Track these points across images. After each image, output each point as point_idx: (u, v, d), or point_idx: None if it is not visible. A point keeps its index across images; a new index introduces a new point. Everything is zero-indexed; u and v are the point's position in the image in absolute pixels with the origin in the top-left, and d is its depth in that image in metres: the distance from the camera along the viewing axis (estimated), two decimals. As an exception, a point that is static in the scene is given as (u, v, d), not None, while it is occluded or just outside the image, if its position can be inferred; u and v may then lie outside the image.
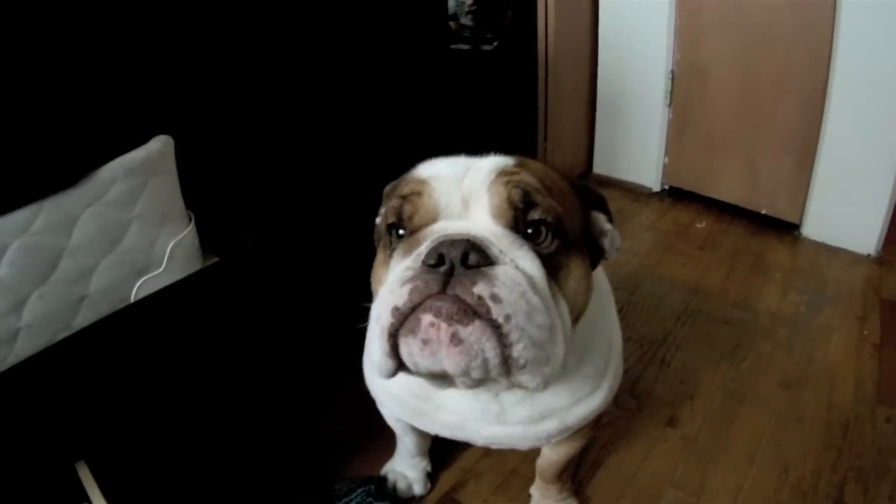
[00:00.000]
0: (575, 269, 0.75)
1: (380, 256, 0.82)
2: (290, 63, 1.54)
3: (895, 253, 2.34)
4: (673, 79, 2.73)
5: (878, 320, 1.98)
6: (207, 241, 1.40)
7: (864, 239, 2.34)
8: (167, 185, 1.30)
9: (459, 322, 0.62)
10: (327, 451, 1.51)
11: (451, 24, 3.34)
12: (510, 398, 0.92)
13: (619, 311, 2.03)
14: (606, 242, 0.86)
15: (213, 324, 1.30)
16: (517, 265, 0.68)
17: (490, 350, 0.63)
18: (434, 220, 0.73)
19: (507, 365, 0.64)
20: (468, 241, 0.66)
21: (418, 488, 1.40)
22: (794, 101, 2.38)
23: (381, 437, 1.41)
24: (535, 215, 0.71)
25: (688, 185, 2.87)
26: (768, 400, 1.67)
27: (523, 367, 0.64)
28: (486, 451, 1.51)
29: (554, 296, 0.70)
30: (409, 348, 0.65)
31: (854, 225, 2.36)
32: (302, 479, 1.42)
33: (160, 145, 1.26)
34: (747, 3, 2.40)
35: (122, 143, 1.21)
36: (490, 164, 0.76)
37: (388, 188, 0.91)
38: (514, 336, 0.62)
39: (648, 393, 1.71)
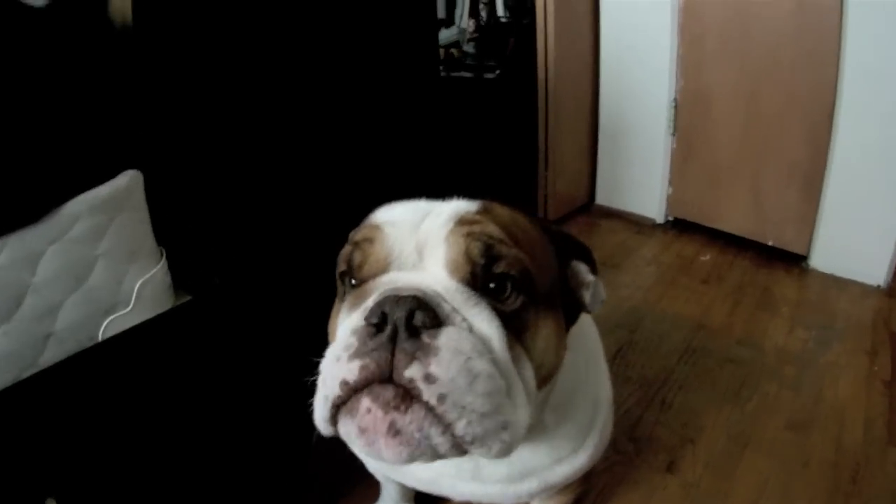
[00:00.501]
0: (544, 328, 0.68)
1: (336, 306, 0.77)
2: (268, 94, 1.51)
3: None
4: (676, 107, 2.68)
5: (888, 355, 1.91)
6: (180, 278, 1.37)
7: (874, 270, 2.27)
8: (135, 222, 1.27)
9: (397, 409, 0.57)
10: (312, 495, 1.45)
11: (454, 51, 3.34)
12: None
13: (618, 350, 2.01)
14: (587, 295, 0.79)
15: (183, 364, 1.26)
16: (471, 326, 0.61)
17: (435, 436, 0.57)
18: (385, 270, 0.67)
19: (457, 443, 0.58)
20: (415, 298, 0.59)
21: None
22: (800, 129, 2.32)
23: (365, 482, 1.34)
24: (497, 269, 0.65)
25: (692, 216, 2.80)
26: (773, 443, 1.60)
27: (472, 442, 0.58)
28: None
29: (517, 358, 0.64)
30: (347, 430, 0.60)
31: (863, 256, 2.29)
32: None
33: (127, 181, 1.23)
34: (751, 29, 2.36)
35: (90, 177, 1.18)
36: (450, 210, 0.69)
37: (352, 233, 0.86)
38: (451, 416, 0.57)
39: (648, 436, 1.64)
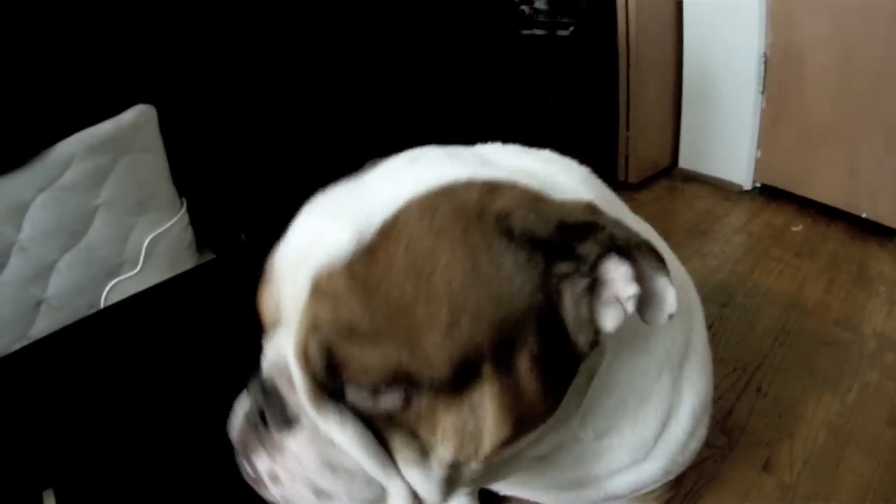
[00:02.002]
0: (454, 419, 0.51)
1: None
2: (320, 42, 1.37)
3: None
4: (766, 63, 2.54)
5: None
6: (204, 235, 1.23)
7: (982, 248, 2.14)
8: (145, 165, 1.11)
9: (260, 485, 0.55)
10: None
11: (525, 8, 3.22)
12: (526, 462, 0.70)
13: (709, 327, 1.93)
14: (610, 320, 0.53)
15: (199, 335, 1.11)
16: (321, 431, 0.51)
17: None
18: (276, 321, 0.55)
19: None
20: (263, 392, 0.53)
21: None
22: (900, 91, 2.17)
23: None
24: (347, 374, 0.49)
25: (782, 183, 2.68)
26: (877, 441, 1.54)
27: None
28: None
29: (399, 460, 0.52)
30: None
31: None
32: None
33: (135, 116, 1.09)
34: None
35: (93, 115, 1.06)
36: (319, 254, 0.50)
37: None
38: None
39: (742, 428, 1.60)
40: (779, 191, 2.70)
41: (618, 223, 0.51)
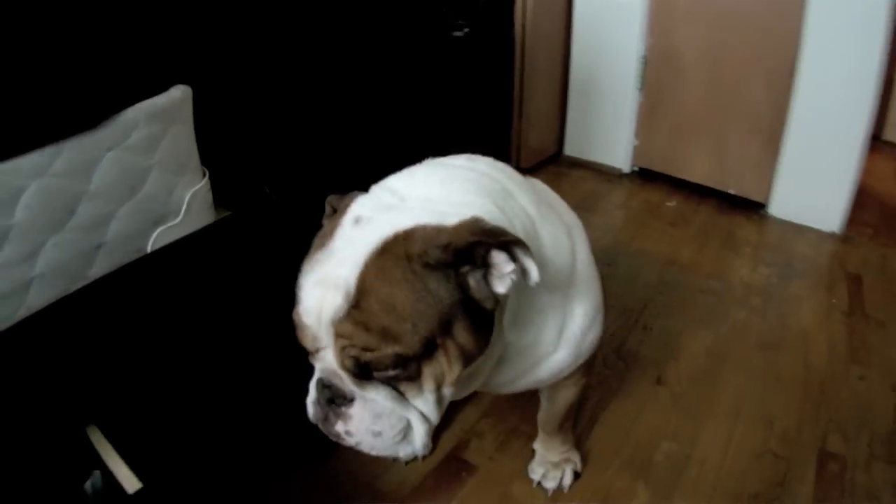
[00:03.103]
0: (429, 370, 0.82)
1: None
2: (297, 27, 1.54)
3: (859, 231, 2.48)
4: (645, 63, 2.81)
5: (845, 291, 2.10)
6: (218, 195, 1.40)
7: (830, 217, 2.46)
8: (185, 135, 1.29)
9: (338, 440, 0.89)
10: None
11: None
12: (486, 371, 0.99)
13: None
14: (501, 286, 0.81)
15: (230, 278, 1.28)
16: (368, 397, 0.84)
17: None
18: (317, 347, 0.84)
19: None
20: (330, 386, 0.85)
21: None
22: (762, 85, 2.49)
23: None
24: (371, 367, 0.81)
25: (657, 166, 2.95)
26: (748, 361, 1.76)
27: (384, 456, 0.90)
28: (485, 412, 1.57)
29: (414, 396, 0.85)
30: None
31: (819, 204, 2.48)
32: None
33: (180, 93, 1.26)
34: (720, -11, 2.50)
35: (142, 89, 1.20)
36: (328, 311, 0.79)
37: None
38: (365, 450, 0.87)
39: (634, 355, 1.78)
40: (654, 173, 2.97)
41: (495, 229, 0.80)
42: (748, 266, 2.27)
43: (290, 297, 0.83)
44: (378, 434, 0.85)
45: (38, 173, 1.05)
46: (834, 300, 2.05)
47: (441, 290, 0.78)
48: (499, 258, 0.79)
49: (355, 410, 0.85)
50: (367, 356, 0.78)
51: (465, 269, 0.79)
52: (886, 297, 2.07)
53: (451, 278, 0.79)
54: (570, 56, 3.05)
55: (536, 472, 1.41)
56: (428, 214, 0.82)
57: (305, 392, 0.90)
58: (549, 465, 1.39)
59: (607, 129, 3.06)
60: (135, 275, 1.16)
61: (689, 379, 1.69)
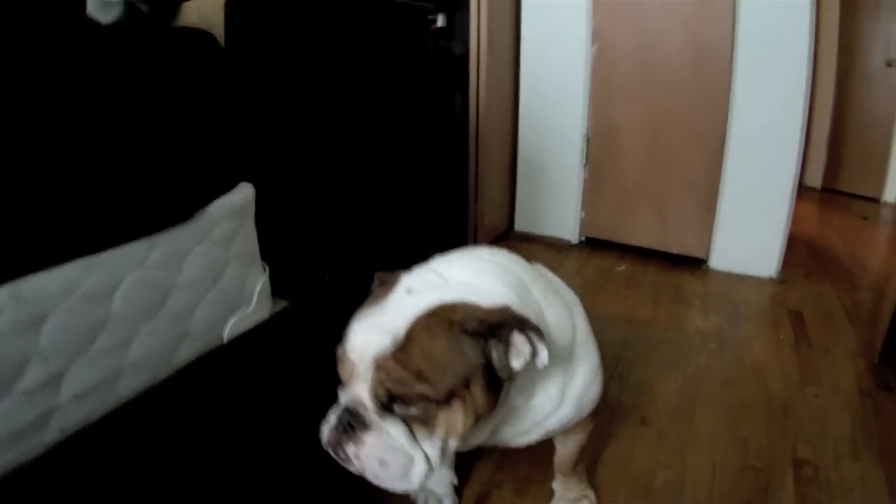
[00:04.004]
0: (444, 417, 0.96)
1: None
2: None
3: (793, 272, 2.80)
4: (588, 141, 3.12)
5: (789, 327, 2.36)
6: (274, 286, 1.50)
7: (766, 264, 2.78)
8: (251, 230, 1.40)
9: (344, 463, 0.98)
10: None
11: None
12: (488, 429, 1.13)
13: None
14: (517, 362, 0.98)
15: (299, 364, 1.38)
16: (384, 430, 0.95)
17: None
18: (351, 377, 0.98)
19: None
20: (350, 411, 0.96)
21: (448, 502, 1.53)
22: (697, 154, 2.83)
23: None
24: (399, 400, 0.94)
25: (604, 234, 3.24)
26: (715, 396, 1.97)
27: (383, 487, 0.98)
28: (498, 465, 1.70)
29: (423, 437, 0.97)
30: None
31: (756, 253, 2.79)
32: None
33: (248, 191, 1.37)
34: (654, 72, 2.86)
35: (215, 188, 1.30)
36: (374, 349, 0.94)
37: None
38: (369, 477, 0.97)
39: (617, 403, 1.96)
40: (601, 241, 3.25)
41: (520, 317, 0.97)
42: (700, 316, 2.51)
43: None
44: (384, 464, 0.95)
45: (137, 264, 1.12)
46: (781, 336, 2.30)
47: (471, 352, 0.95)
48: (519, 340, 0.97)
49: (370, 438, 0.95)
50: (399, 389, 0.92)
51: (492, 342, 0.96)
52: (826, 326, 2.35)
53: (479, 346, 0.96)
54: (518, 138, 3.33)
55: None
56: (468, 295, 0.99)
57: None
58: (569, 501, 1.53)
59: (555, 204, 3.33)
60: (216, 363, 1.26)
61: (668, 417, 1.88)
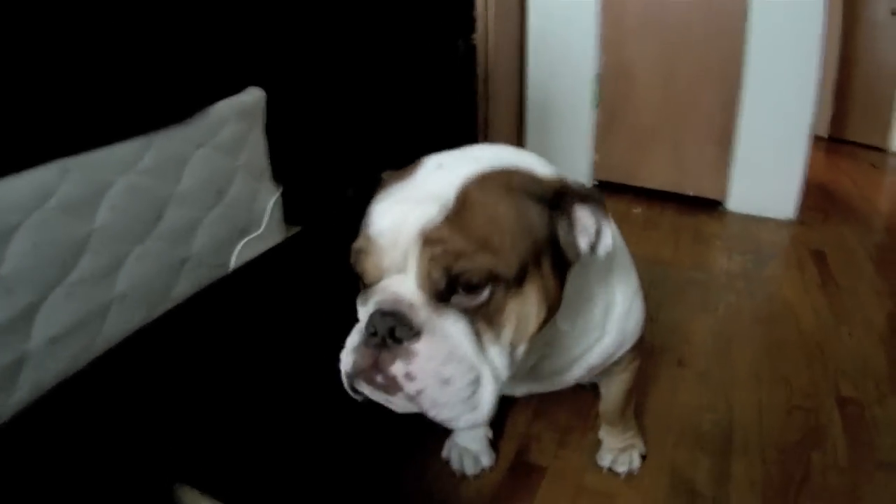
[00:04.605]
0: (516, 306, 0.78)
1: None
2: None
3: (812, 216, 2.80)
4: (599, 81, 3.07)
5: (814, 268, 2.38)
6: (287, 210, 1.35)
7: (784, 206, 2.78)
8: (262, 140, 1.23)
9: (388, 392, 0.76)
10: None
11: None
12: (534, 357, 1.01)
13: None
14: (583, 242, 0.84)
15: (316, 295, 1.21)
16: (442, 331, 0.75)
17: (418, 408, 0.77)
18: (380, 277, 0.79)
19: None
20: (394, 314, 0.75)
21: (486, 459, 1.45)
22: (712, 92, 2.79)
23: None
24: (460, 281, 0.75)
25: (617, 177, 3.21)
26: (750, 335, 1.98)
27: (443, 421, 0.77)
28: (535, 415, 1.66)
29: (489, 341, 0.78)
30: (365, 392, 0.80)
31: (773, 195, 2.79)
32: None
33: (258, 95, 1.21)
34: (667, 8, 2.79)
35: (220, 88, 1.14)
36: (418, 221, 0.75)
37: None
38: (426, 405, 0.75)
39: (651, 345, 1.95)
40: (615, 185, 3.23)
41: (581, 188, 0.85)
42: (724, 256, 2.52)
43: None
44: (446, 382, 0.74)
45: (126, 168, 0.94)
46: (806, 276, 2.32)
47: (537, 219, 0.79)
48: (583, 213, 0.82)
49: (422, 346, 0.74)
50: (460, 265, 0.73)
51: (556, 213, 0.81)
52: (851, 267, 2.37)
53: (546, 215, 0.80)
54: (527, 79, 3.26)
55: (606, 458, 1.46)
56: (516, 164, 0.85)
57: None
58: (617, 451, 1.46)
59: (567, 147, 3.29)
60: (220, 295, 1.09)
61: (705, 357, 1.89)
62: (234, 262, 1.16)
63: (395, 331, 0.74)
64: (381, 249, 0.77)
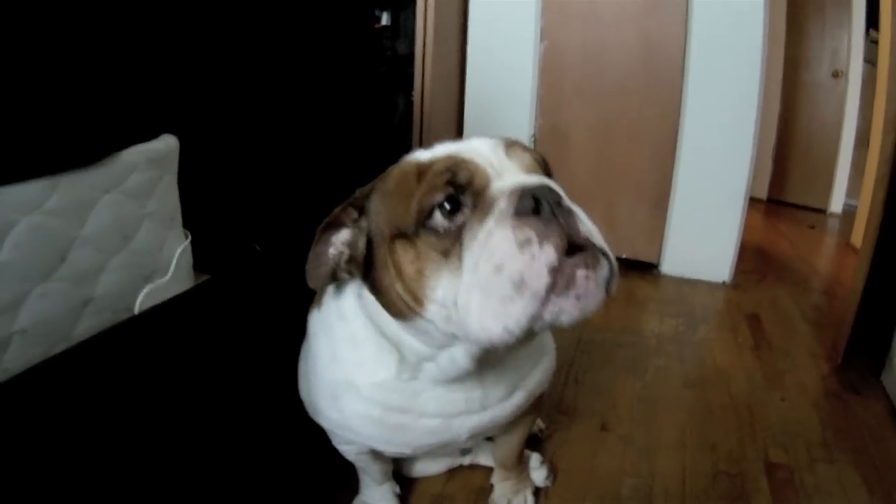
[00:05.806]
0: None
1: (425, 254, 0.77)
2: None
3: (746, 278, 2.72)
4: (535, 142, 3.01)
5: (747, 330, 2.28)
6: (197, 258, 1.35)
7: (719, 269, 2.71)
8: (173, 188, 1.24)
9: (597, 266, 0.70)
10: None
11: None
12: (490, 378, 1.02)
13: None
14: None
15: (222, 342, 1.22)
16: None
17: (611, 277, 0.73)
18: (489, 183, 0.75)
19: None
20: (546, 185, 0.72)
21: None
22: (647, 155, 2.75)
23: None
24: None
25: (552, 240, 3.12)
26: (678, 399, 1.86)
27: (611, 279, 0.73)
28: (450, 475, 1.55)
29: None
30: (559, 307, 0.68)
31: (708, 258, 2.73)
32: None
33: (172, 142, 1.21)
34: (604, 71, 2.77)
35: (131, 134, 1.14)
36: (488, 143, 0.84)
37: (362, 191, 0.91)
38: (611, 255, 0.73)
39: (574, 409, 1.84)
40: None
41: None
42: (655, 319, 2.42)
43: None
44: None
45: (32, 208, 0.96)
46: (739, 339, 2.22)
47: None
48: None
49: (576, 209, 0.74)
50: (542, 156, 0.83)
51: None
52: (786, 330, 2.28)
53: None
54: (464, 136, 3.18)
55: (501, 502, 1.43)
56: None
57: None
58: (511, 493, 1.43)
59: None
60: (123, 337, 1.08)
61: (629, 422, 1.76)
62: (138, 306, 1.16)
63: (561, 201, 0.71)
64: (481, 155, 0.79)
